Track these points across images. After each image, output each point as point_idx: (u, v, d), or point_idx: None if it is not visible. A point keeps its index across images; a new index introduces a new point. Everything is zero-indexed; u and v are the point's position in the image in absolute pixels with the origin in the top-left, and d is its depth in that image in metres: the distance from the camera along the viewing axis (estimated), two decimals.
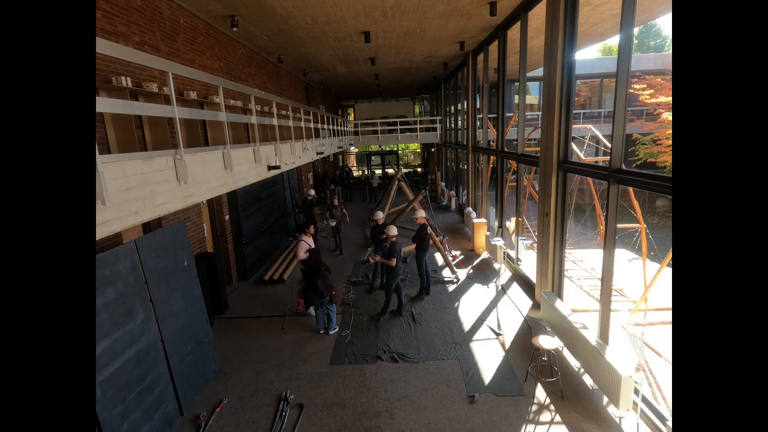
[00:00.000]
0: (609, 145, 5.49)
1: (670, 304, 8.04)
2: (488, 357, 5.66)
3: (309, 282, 6.55)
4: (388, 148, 30.25)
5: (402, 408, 4.70)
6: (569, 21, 5.86)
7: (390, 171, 29.33)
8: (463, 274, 8.92)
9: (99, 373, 3.60)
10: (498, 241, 9.58)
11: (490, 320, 6.72)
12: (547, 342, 4.97)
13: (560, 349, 5.66)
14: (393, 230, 7.13)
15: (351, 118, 28.07)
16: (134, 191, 2.73)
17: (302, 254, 6.56)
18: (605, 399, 4.65)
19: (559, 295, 6.51)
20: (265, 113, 8.86)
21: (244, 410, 4.78)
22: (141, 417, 4.01)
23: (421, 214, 8.10)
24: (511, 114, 16.07)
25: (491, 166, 12.38)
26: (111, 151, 4.72)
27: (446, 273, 8.97)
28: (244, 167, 4.82)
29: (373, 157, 31.54)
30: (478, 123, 12.29)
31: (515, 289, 7.97)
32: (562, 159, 6.28)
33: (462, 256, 9.73)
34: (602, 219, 7.92)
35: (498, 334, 6.24)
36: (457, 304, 7.44)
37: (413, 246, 7.59)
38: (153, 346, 4.36)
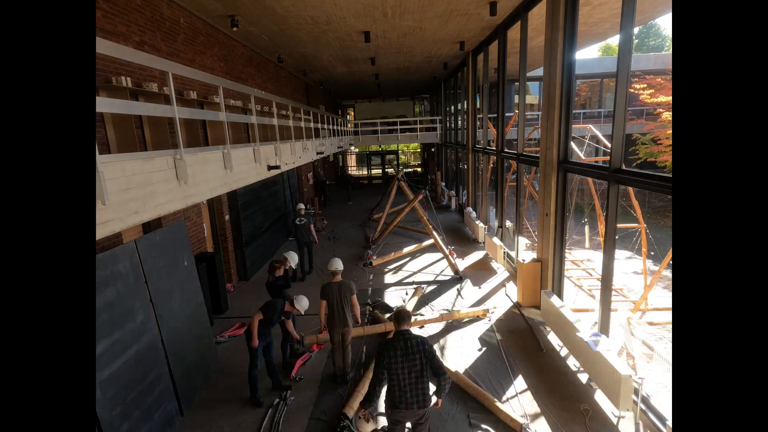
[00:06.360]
0: (609, 145, 5.49)
1: (665, 304, 8.06)
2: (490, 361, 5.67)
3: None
4: (387, 148, 30.28)
5: None
6: (569, 21, 5.86)
7: (390, 171, 29.37)
8: (462, 266, 9.08)
9: (99, 373, 3.59)
10: (498, 241, 9.59)
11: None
12: None
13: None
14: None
15: (351, 118, 28.08)
16: (134, 191, 2.73)
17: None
18: (601, 399, 4.64)
19: (559, 295, 6.51)
20: (265, 113, 8.86)
21: (244, 410, 4.78)
22: (141, 417, 4.01)
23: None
24: (511, 114, 16.07)
25: (491, 165, 12.38)
26: (111, 151, 4.72)
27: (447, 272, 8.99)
28: (244, 167, 4.82)
29: (373, 157, 31.59)
30: (478, 123, 12.28)
31: (513, 287, 7.97)
32: (562, 159, 6.28)
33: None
34: (602, 219, 7.91)
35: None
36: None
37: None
38: (153, 346, 4.36)
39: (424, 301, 7.58)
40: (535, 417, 4.48)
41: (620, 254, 11.10)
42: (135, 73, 5.35)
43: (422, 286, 8.23)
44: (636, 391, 4.33)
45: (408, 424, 3.43)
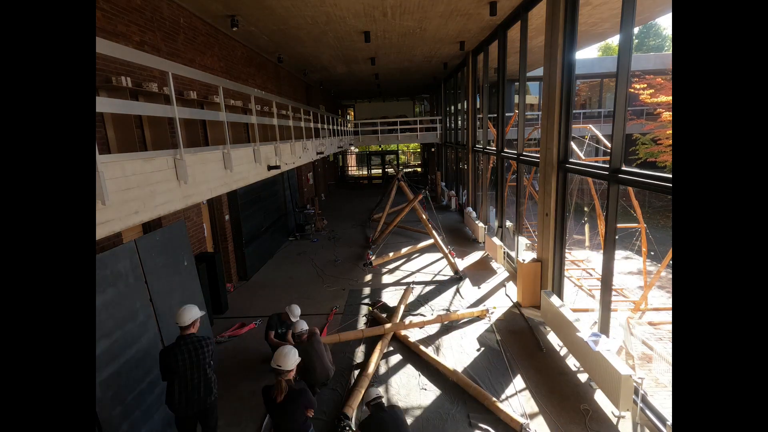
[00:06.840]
0: (609, 145, 5.49)
1: (660, 304, 8.06)
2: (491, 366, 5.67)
3: None
4: (387, 148, 30.29)
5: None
6: (569, 21, 5.86)
7: (390, 171, 29.37)
8: (462, 266, 9.12)
9: (99, 373, 3.59)
10: (498, 241, 9.58)
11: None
12: None
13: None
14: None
15: (351, 118, 28.09)
16: (134, 191, 2.73)
17: None
18: (601, 398, 4.65)
19: (559, 295, 6.51)
20: (265, 113, 8.87)
21: (243, 410, 4.78)
22: (141, 417, 4.01)
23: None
24: (511, 114, 16.08)
25: (491, 165, 12.39)
26: (111, 151, 4.72)
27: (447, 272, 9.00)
28: (244, 167, 4.82)
29: (373, 157, 31.61)
30: (478, 123, 12.29)
31: (513, 287, 7.97)
32: (562, 159, 6.27)
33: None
34: (602, 219, 7.92)
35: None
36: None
37: None
38: (153, 346, 4.36)
39: (424, 300, 7.58)
40: (534, 416, 4.48)
41: (618, 254, 11.10)
42: (135, 73, 5.35)
43: (411, 285, 8.27)
44: (636, 391, 4.33)
45: None
